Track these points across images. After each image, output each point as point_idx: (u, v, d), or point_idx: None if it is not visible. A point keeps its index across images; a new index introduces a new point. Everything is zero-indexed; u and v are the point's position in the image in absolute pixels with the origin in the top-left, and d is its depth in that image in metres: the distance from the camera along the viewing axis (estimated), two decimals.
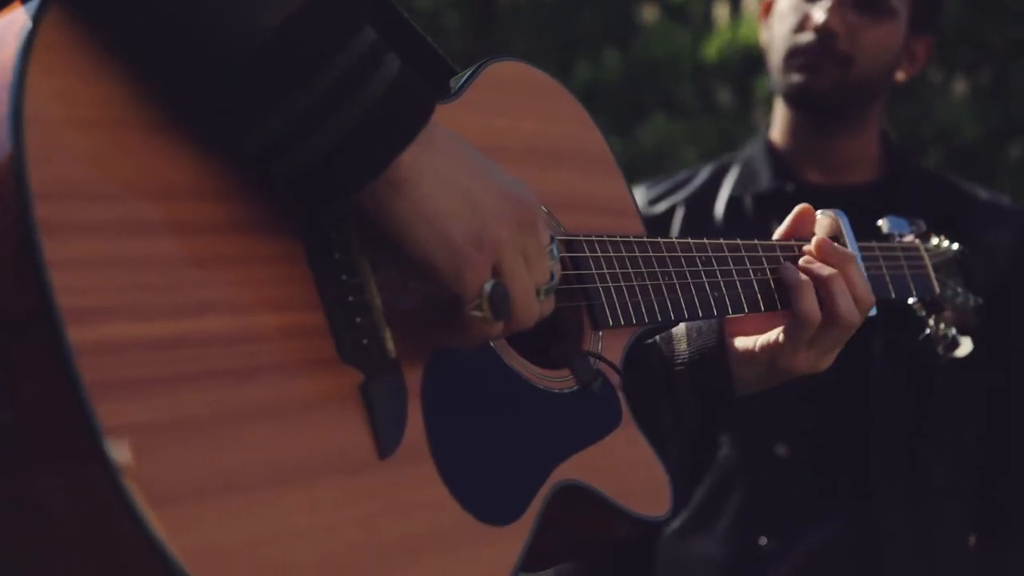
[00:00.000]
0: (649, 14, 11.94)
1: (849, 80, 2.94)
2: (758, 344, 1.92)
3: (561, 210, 1.79)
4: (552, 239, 1.58)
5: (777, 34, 2.99)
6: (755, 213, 3.05)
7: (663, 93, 12.03)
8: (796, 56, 2.95)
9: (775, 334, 1.92)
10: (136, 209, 1.37)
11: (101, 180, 1.36)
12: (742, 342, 1.94)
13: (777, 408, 2.93)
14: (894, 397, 2.95)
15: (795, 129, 3.07)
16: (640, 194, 3.17)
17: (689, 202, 3.12)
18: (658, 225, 3.09)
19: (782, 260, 1.97)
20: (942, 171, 3.25)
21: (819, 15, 2.91)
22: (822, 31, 2.91)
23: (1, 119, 1.30)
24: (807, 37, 2.93)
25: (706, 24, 11.46)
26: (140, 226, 1.37)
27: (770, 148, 3.09)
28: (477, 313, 1.50)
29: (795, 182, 3.05)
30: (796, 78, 2.96)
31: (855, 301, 1.95)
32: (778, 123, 3.11)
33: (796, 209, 2.04)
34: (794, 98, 3.00)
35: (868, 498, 2.95)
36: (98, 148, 1.36)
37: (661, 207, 3.13)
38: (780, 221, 3.01)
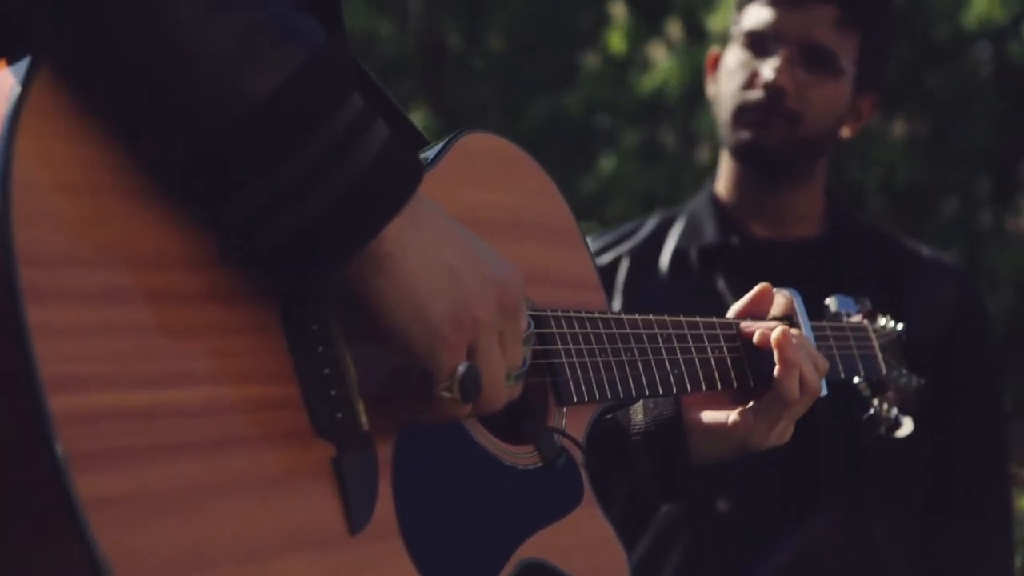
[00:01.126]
0: (590, 64, 12.03)
1: (797, 137, 2.97)
2: (730, 420, 1.94)
3: (530, 284, 1.79)
4: (530, 325, 1.58)
5: (725, 90, 3.02)
6: (700, 266, 3.07)
7: (607, 134, 12.12)
8: (745, 113, 2.98)
9: (746, 414, 1.94)
10: (118, 277, 1.36)
11: (85, 246, 1.34)
12: (710, 416, 1.96)
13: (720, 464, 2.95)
14: (840, 455, 2.97)
15: (741, 183, 3.10)
16: None
17: (634, 254, 3.13)
18: (604, 277, 3.10)
19: (739, 340, 1.99)
20: (885, 227, 3.29)
21: (768, 72, 2.94)
22: (771, 88, 2.94)
23: None
24: (756, 94, 2.96)
25: (645, 66, 11.56)
26: (121, 294, 1.36)
27: (715, 201, 3.12)
28: (447, 394, 1.50)
29: (740, 235, 3.07)
30: (745, 135, 2.98)
31: (819, 371, 1.99)
32: (724, 176, 3.13)
33: (755, 289, 2.06)
34: (742, 154, 3.03)
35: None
36: (83, 214, 1.35)
37: (606, 259, 3.14)
38: (725, 274, 3.06)
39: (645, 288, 3.08)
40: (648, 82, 11.23)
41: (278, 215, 1.41)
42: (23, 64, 1.35)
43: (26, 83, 1.34)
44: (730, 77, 2.99)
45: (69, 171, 1.36)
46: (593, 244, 3.18)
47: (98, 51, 1.36)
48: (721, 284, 3.03)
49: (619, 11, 11.71)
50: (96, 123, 1.38)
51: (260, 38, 1.39)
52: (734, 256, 3.05)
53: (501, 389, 1.54)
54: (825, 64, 2.96)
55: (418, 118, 13.10)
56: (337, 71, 1.44)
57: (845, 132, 3.07)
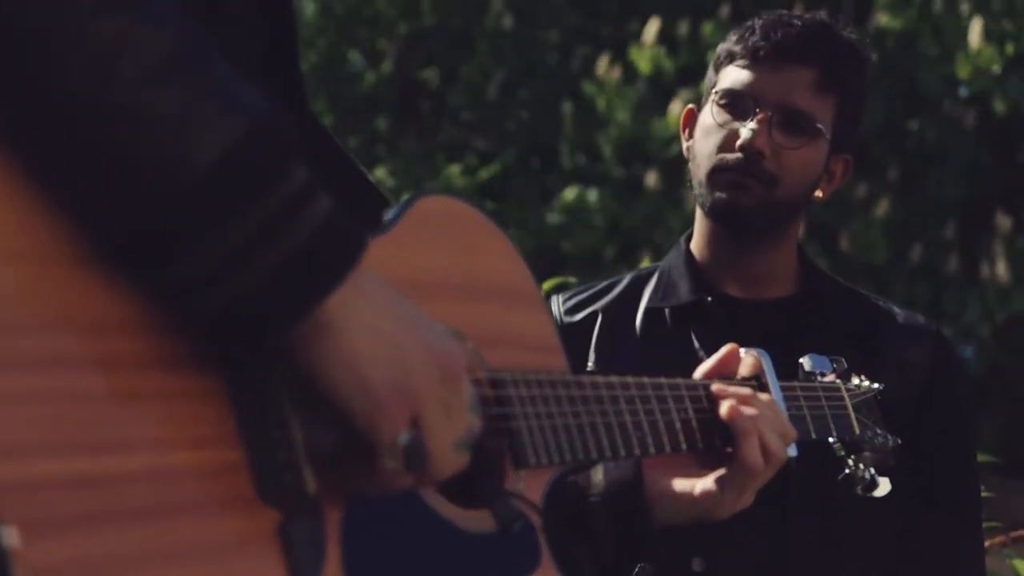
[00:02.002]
0: (606, 72, 12.10)
1: (773, 200, 2.96)
2: (696, 490, 1.94)
3: (487, 346, 1.79)
4: (474, 393, 1.58)
5: (701, 150, 3.01)
6: (674, 324, 3.06)
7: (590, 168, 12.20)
8: (722, 174, 2.97)
9: (713, 484, 1.94)
10: (59, 343, 1.36)
11: (26, 313, 1.35)
12: (663, 479, 1.95)
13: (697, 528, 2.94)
14: (813, 514, 2.96)
15: (715, 243, 3.09)
16: (557, 303, 3.17)
17: (607, 311, 3.12)
18: (576, 334, 3.09)
19: (705, 400, 1.99)
20: (857, 287, 3.28)
21: (746, 134, 2.93)
22: (749, 151, 2.93)
23: None
24: (733, 156, 2.95)
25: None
26: (63, 361, 1.36)
27: (690, 259, 3.11)
28: (390, 463, 1.50)
29: (714, 295, 3.07)
30: (721, 196, 2.97)
31: (782, 436, 1.98)
32: (698, 235, 3.13)
33: (723, 349, 2.06)
34: (718, 215, 3.02)
35: None
36: (22, 281, 1.35)
37: (579, 316, 3.13)
38: (699, 332, 3.05)
39: (619, 346, 3.07)
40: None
41: (217, 285, 1.41)
42: None
43: None
44: (707, 137, 2.98)
45: (11, 238, 1.36)
46: (567, 301, 3.17)
47: (37, 114, 1.37)
48: (695, 343, 3.02)
49: (650, 34, 11.78)
50: (39, 191, 1.38)
51: (202, 106, 1.40)
52: (708, 315, 3.04)
53: (447, 458, 1.54)
54: (803, 128, 2.95)
55: (392, 158, 13.13)
56: (279, 143, 1.45)
57: (818, 194, 3.07)
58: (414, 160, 12.86)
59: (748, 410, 1.97)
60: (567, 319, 3.09)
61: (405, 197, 1.79)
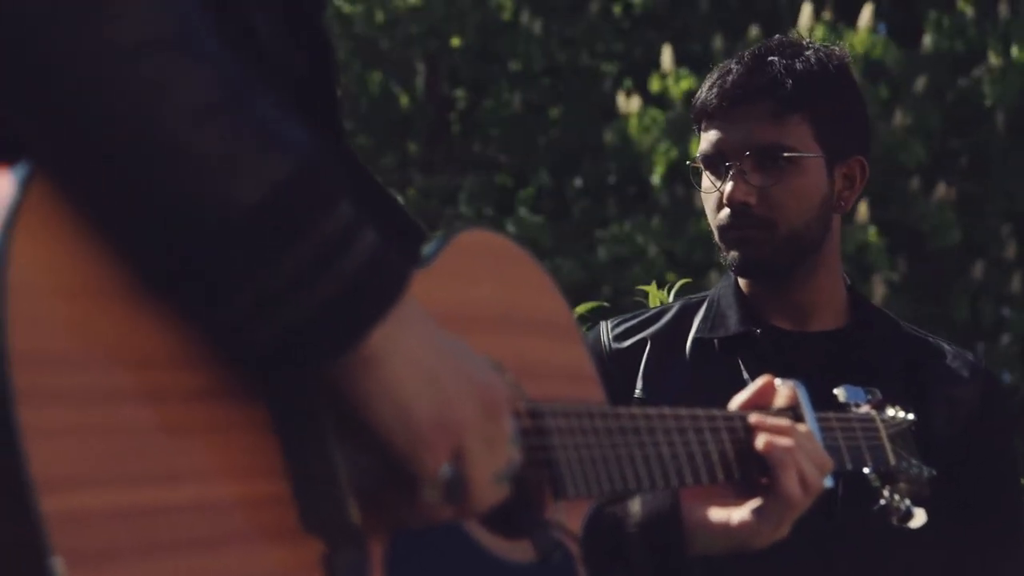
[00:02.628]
0: (626, 105, 12.09)
1: (778, 241, 2.97)
2: (733, 520, 1.96)
3: (526, 377, 1.81)
4: (516, 426, 1.60)
5: (708, 215, 3.05)
6: (723, 355, 3.07)
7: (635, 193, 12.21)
8: (724, 234, 3.00)
9: (751, 515, 1.96)
10: (110, 377, 1.39)
11: (77, 348, 1.38)
12: (700, 510, 1.97)
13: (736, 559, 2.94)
14: (852, 544, 2.96)
15: (755, 286, 3.11)
16: (607, 330, 3.19)
17: (656, 339, 3.14)
18: (625, 360, 3.10)
19: (741, 432, 2.00)
20: (906, 321, 3.28)
21: (727, 191, 2.95)
22: (734, 206, 2.95)
23: None
24: (725, 214, 2.97)
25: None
26: (113, 394, 1.39)
27: (738, 291, 3.13)
28: (431, 495, 1.52)
29: (763, 327, 3.08)
30: (733, 255, 3.00)
31: (819, 467, 1.99)
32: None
33: (758, 381, 2.07)
34: (740, 273, 3.04)
35: None
36: (75, 316, 1.38)
37: (628, 343, 3.15)
38: (747, 363, 3.06)
39: (668, 374, 3.09)
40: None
41: (264, 321, 1.44)
42: (22, 168, 1.39)
43: (23, 187, 1.37)
44: (706, 202, 3.02)
45: (64, 274, 1.39)
46: (615, 328, 3.18)
47: (85, 158, 1.39)
48: (744, 374, 3.04)
49: (667, 60, 11.79)
50: (90, 227, 1.41)
51: (246, 145, 1.42)
52: (757, 347, 3.06)
53: (488, 491, 1.56)
54: (775, 160, 2.94)
55: (423, 180, 13.17)
56: (324, 179, 1.47)
57: (844, 205, 3.07)
58: (445, 181, 12.91)
59: (784, 441, 1.98)
60: (616, 345, 3.11)
61: (440, 232, 1.82)
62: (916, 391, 2.98)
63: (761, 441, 1.98)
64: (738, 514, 1.99)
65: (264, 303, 1.43)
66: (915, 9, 12.47)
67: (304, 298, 1.44)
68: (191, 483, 1.42)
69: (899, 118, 11.62)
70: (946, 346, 3.13)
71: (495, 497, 1.58)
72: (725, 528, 1.98)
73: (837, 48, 3.11)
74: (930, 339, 3.15)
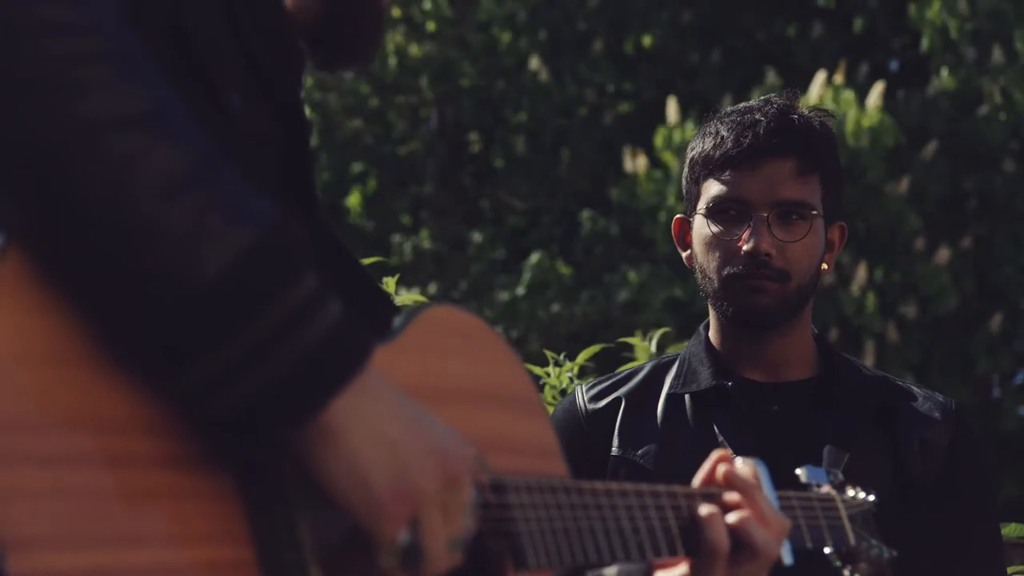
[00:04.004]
0: (631, 164, 12.15)
1: (788, 294, 3.02)
2: None
3: (491, 451, 1.84)
4: (474, 495, 1.62)
5: (707, 265, 3.04)
6: (695, 410, 3.10)
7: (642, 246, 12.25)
8: (733, 284, 3.01)
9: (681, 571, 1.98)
10: (75, 442, 1.42)
11: (46, 413, 1.41)
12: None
13: None
14: None
15: (731, 336, 3.14)
16: (581, 391, 3.22)
17: (630, 397, 3.17)
18: (601, 419, 3.13)
19: (697, 509, 2.03)
20: (873, 369, 3.32)
21: (748, 243, 2.97)
22: (755, 258, 2.97)
23: None
24: (740, 265, 3.00)
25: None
26: (80, 459, 1.42)
27: (709, 347, 3.15)
28: (388, 562, 1.55)
29: (734, 379, 3.11)
30: (737, 304, 3.02)
31: (768, 529, 2.01)
32: (714, 328, 3.17)
33: (712, 457, 2.10)
34: (739, 321, 3.07)
35: None
36: (45, 382, 1.42)
37: (603, 403, 3.18)
38: (719, 418, 3.09)
39: (641, 431, 3.12)
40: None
41: (225, 390, 1.47)
42: None
43: None
44: (709, 251, 3.03)
45: (33, 341, 1.43)
46: (590, 390, 3.22)
47: (55, 230, 1.44)
48: (716, 428, 3.07)
49: (672, 112, 11.87)
50: (60, 297, 1.45)
51: (211, 219, 1.46)
52: (729, 400, 3.09)
53: (442, 558, 1.59)
54: (799, 216, 3.00)
55: (437, 222, 13.19)
56: (287, 251, 1.51)
57: (826, 267, 3.14)
58: (457, 224, 12.96)
59: (730, 496, 2.02)
60: (591, 406, 3.15)
61: (408, 309, 1.85)
62: (889, 435, 3.02)
63: (704, 509, 2.01)
64: (676, 572, 2.01)
65: (225, 373, 1.47)
66: (921, 58, 12.62)
67: (267, 368, 1.47)
68: (155, 547, 1.45)
69: (902, 185, 11.75)
70: (916, 390, 3.17)
71: (449, 563, 1.60)
72: None
73: (830, 111, 3.20)
74: (900, 383, 3.19)
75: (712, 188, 3.02)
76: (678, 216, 3.16)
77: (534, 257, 12.27)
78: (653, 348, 4.13)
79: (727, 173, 3.01)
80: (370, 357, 1.55)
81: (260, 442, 1.50)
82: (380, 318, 1.83)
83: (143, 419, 1.48)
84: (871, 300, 11.61)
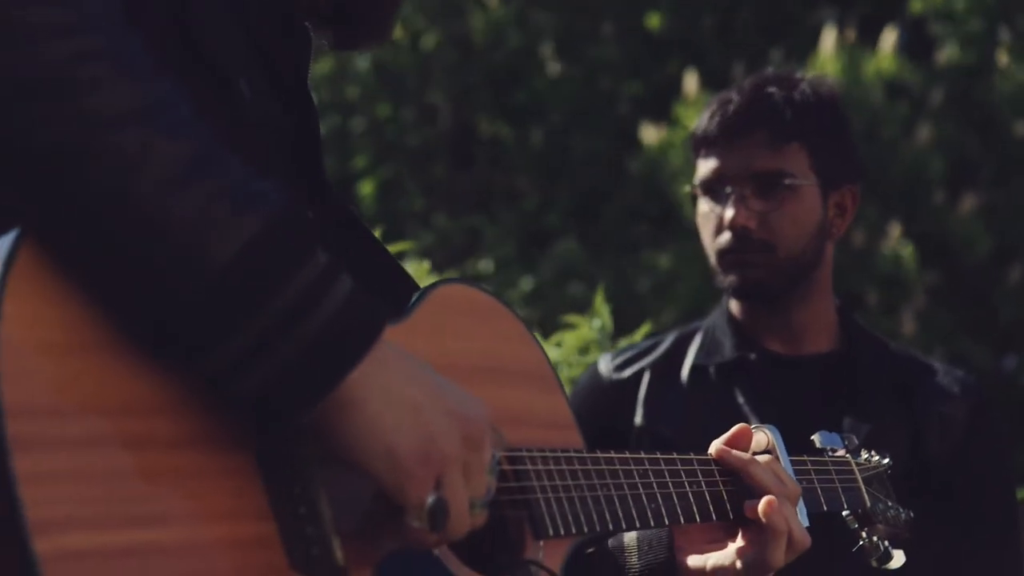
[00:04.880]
0: (648, 135, 12.12)
1: (777, 263, 3.07)
2: (709, 564, 2.01)
3: (505, 425, 1.87)
4: (494, 456, 1.66)
5: (704, 240, 3.13)
6: (719, 381, 3.15)
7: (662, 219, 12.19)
8: (723, 258, 3.09)
9: (728, 556, 2.01)
10: (98, 425, 1.46)
11: (68, 399, 1.45)
12: (693, 560, 2.03)
13: None
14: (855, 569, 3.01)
15: (750, 310, 3.19)
16: (605, 362, 3.27)
17: (655, 367, 3.22)
18: (625, 390, 3.18)
19: (717, 474, 2.06)
20: (896, 342, 3.35)
21: (728, 215, 3.05)
22: (735, 230, 3.05)
23: None
24: (725, 239, 3.07)
25: None
26: (102, 441, 1.46)
27: (731, 318, 3.20)
28: (416, 524, 1.58)
29: (757, 352, 3.15)
30: (731, 278, 3.09)
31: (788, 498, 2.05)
32: (734, 301, 3.22)
33: (733, 429, 2.13)
34: (736, 295, 3.12)
35: None
36: (64, 369, 1.46)
37: (627, 373, 3.22)
38: (743, 389, 3.13)
39: (666, 401, 3.17)
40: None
41: (242, 373, 1.51)
42: (11, 235, 1.47)
43: (12, 251, 1.45)
44: (703, 228, 3.11)
45: (52, 330, 1.46)
46: (612, 360, 3.27)
47: (67, 224, 1.47)
48: (740, 399, 3.11)
49: (691, 86, 11.86)
50: (76, 285, 1.48)
51: (219, 207, 1.50)
52: (751, 372, 3.13)
53: (465, 518, 1.62)
54: (775, 186, 3.06)
55: (449, 208, 13.18)
56: (296, 232, 1.54)
57: (836, 232, 3.17)
58: (469, 210, 12.95)
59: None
60: (615, 376, 3.20)
61: (427, 285, 1.89)
62: (908, 410, 3.05)
63: (742, 480, 2.04)
64: (715, 558, 2.04)
65: (241, 358, 1.50)
66: (927, 26, 12.58)
67: (282, 347, 1.51)
68: (179, 525, 1.49)
69: (924, 133, 11.72)
70: (936, 365, 3.20)
71: (472, 524, 1.64)
72: (708, 573, 2.03)
73: (828, 80, 3.24)
74: (920, 358, 3.22)
75: (700, 167, 3.13)
76: (689, 189, 3.23)
77: (559, 245, 12.26)
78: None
79: (709, 153, 3.11)
80: (383, 328, 1.58)
81: (281, 420, 1.54)
82: (401, 296, 1.87)
83: (163, 401, 1.51)
84: (909, 252, 11.55)
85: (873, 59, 11.60)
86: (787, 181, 3.04)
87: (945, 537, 3.02)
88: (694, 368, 3.17)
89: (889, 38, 11.80)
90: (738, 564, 2.04)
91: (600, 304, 4.20)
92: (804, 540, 2.06)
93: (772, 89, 3.11)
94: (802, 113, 3.10)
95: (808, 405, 3.07)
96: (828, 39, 11.76)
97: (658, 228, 12.49)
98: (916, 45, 12.63)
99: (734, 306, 3.21)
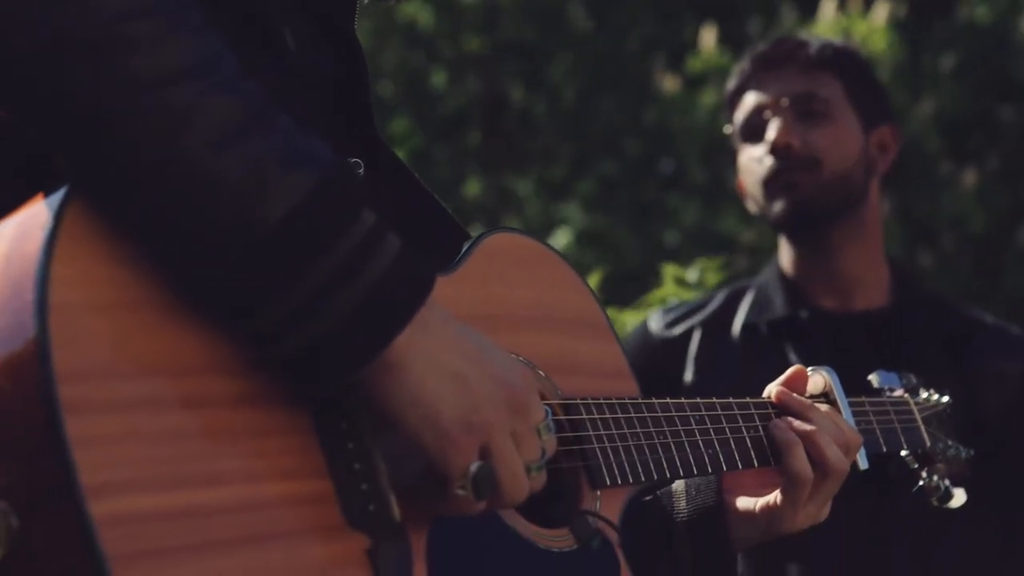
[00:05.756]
0: (670, 84, 12.07)
1: (824, 180, 3.08)
2: (757, 506, 1.99)
3: (559, 374, 1.86)
4: (547, 415, 1.64)
5: (751, 179, 3.14)
6: (771, 338, 3.15)
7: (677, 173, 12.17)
8: (770, 185, 3.10)
9: (773, 497, 1.98)
10: (151, 386, 1.45)
11: (119, 360, 1.44)
12: (743, 502, 2.01)
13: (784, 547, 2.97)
14: (907, 522, 2.99)
15: (800, 257, 3.19)
16: (656, 319, 3.27)
17: (706, 325, 3.22)
18: (676, 348, 3.19)
19: (774, 417, 2.04)
20: (950, 297, 3.34)
21: (770, 136, 3.07)
22: (779, 149, 3.08)
23: (27, 307, 1.39)
24: (768, 163, 3.09)
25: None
26: (154, 402, 1.45)
27: (782, 275, 3.20)
28: (461, 492, 1.57)
29: (808, 309, 3.15)
30: (779, 204, 3.09)
31: (843, 447, 2.02)
32: (784, 254, 3.22)
33: (790, 370, 2.11)
34: (786, 222, 3.13)
35: None
36: (116, 330, 1.45)
37: (677, 330, 3.23)
38: (795, 346, 3.13)
39: (717, 358, 3.17)
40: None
41: (290, 332, 1.50)
42: (58, 194, 1.46)
43: (60, 211, 1.44)
44: (749, 172, 3.13)
45: (102, 290, 1.45)
46: (663, 317, 3.27)
47: (115, 185, 1.46)
48: (792, 356, 3.11)
49: (708, 39, 11.80)
50: (126, 244, 1.48)
51: (268, 166, 1.49)
52: (803, 329, 3.13)
53: (521, 483, 1.61)
54: (815, 105, 3.13)
55: (483, 173, 13.17)
56: (345, 192, 1.53)
57: (880, 168, 3.18)
58: (503, 175, 12.94)
59: (796, 423, 2.01)
60: (666, 333, 3.20)
61: (477, 234, 1.87)
62: (962, 368, 3.03)
63: (771, 423, 2.02)
64: (763, 500, 2.01)
65: (289, 318, 1.49)
66: None
67: (329, 308, 1.50)
68: (236, 484, 1.48)
69: (924, 107, 11.62)
70: (989, 320, 3.18)
71: (531, 487, 1.62)
72: (751, 515, 2.01)
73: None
74: (974, 315, 3.20)
75: (740, 112, 3.15)
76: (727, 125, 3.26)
77: (573, 213, 12.21)
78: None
79: (745, 92, 3.17)
80: (430, 291, 1.57)
81: (326, 381, 1.53)
82: (453, 246, 1.85)
83: (218, 360, 1.51)
84: (896, 233, 11.48)
85: (865, 27, 11.47)
86: (824, 98, 3.09)
87: (1001, 496, 3.00)
88: (745, 326, 3.17)
89: (882, 9, 11.65)
90: (771, 501, 2.01)
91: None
92: (837, 463, 2.02)
93: (807, 38, 3.21)
94: (831, 49, 3.17)
95: (859, 362, 3.05)
96: (829, 9, 11.66)
97: (669, 181, 12.44)
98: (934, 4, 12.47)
99: (785, 260, 3.20)
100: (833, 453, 1.98)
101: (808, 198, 3.07)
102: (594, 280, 4.11)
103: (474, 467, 1.57)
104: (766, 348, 3.13)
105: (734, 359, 3.15)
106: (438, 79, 13.41)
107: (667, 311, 3.30)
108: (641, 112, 12.56)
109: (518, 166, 13.24)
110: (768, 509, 1.98)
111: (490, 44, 13.19)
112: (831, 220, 3.11)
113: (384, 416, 1.55)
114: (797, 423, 2.01)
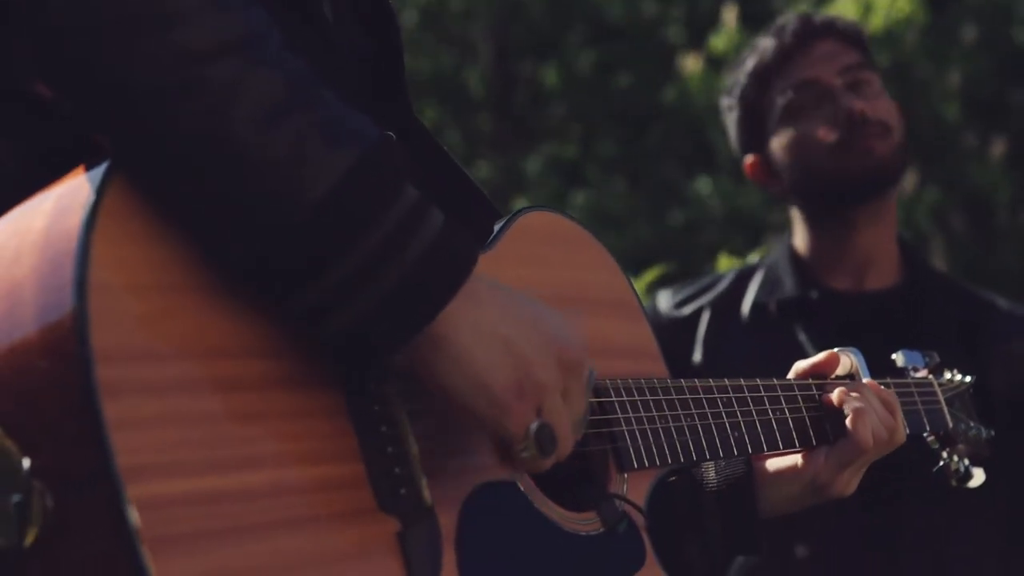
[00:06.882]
0: (692, 64, 12.02)
1: (895, 147, 3.07)
2: (799, 463, 2.00)
3: (592, 355, 1.85)
4: (591, 373, 1.65)
5: (806, 159, 3.08)
6: (780, 318, 3.13)
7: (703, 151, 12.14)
8: (842, 155, 3.05)
9: (816, 457, 1.99)
10: (187, 368, 1.45)
11: (156, 342, 1.44)
12: (774, 463, 2.01)
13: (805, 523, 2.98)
14: (918, 502, 3.00)
15: (817, 238, 3.16)
16: (665, 298, 3.25)
17: (715, 305, 3.20)
18: (684, 327, 3.17)
19: (801, 400, 2.04)
20: (959, 278, 3.34)
21: (845, 103, 3.03)
22: (852, 120, 3.03)
23: (66, 285, 1.39)
24: (836, 134, 3.04)
25: None
26: (191, 385, 1.45)
27: (793, 255, 3.18)
28: (526, 454, 1.59)
29: (819, 289, 3.13)
30: (856, 168, 3.05)
31: (883, 423, 2.04)
32: (798, 231, 3.20)
33: (822, 354, 2.11)
34: (863, 184, 3.08)
35: None
36: (154, 311, 1.44)
37: (687, 310, 3.21)
38: (804, 327, 3.11)
39: (726, 339, 3.15)
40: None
41: (336, 308, 1.49)
42: (99, 170, 1.45)
43: (100, 189, 1.44)
44: (795, 151, 3.07)
45: (141, 272, 1.45)
46: (673, 296, 3.25)
47: (158, 161, 1.45)
48: (801, 336, 3.09)
49: (730, 17, 11.75)
50: (166, 225, 1.47)
51: (312, 142, 1.48)
52: (813, 309, 3.11)
53: (570, 439, 1.63)
54: (865, 75, 3.10)
55: (493, 155, 13.16)
56: (388, 167, 1.52)
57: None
58: (513, 155, 12.92)
59: (857, 396, 2.04)
60: (675, 313, 3.19)
61: (513, 211, 1.87)
62: (973, 349, 3.02)
63: (835, 395, 2.03)
64: (803, 458, 2.02)
65: (335, 295, 1.49)
66: None
67: (375, 284, 1.49)
68: (269, 468, 1.48)
69: (951, 78, 11.56)
70: (999, 301, 3.17)
71: (574, 443, 1.64)
72: (793, 470, 2.01)
73: None
74: (984, 295, 3.19)
75: (785, 82, 3.08)
76: (749, 160, 3.20)
77: (580, 196, 12.18)
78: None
79: (787, 67, 3.09)
80: (475, 262, 1.56)
81: (374, 356, 1.53)
82: (484, 222, 1.85)
83: (252, 343, 1.50)
84: (925, 205, 11.43)
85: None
86: (873, 70, 3.07)
87: (1012, 477, 3.00)
88: (755, 305, 3.15)
89: None
90: (816, 456, 2.02)
91: None
92: (883, 440, 2.04)
93: (814, 15, 3.17)
94: (854, 26, 3.17)
95: (870, 343, 3.05)
96: None
97: (693, 162, 12.40)
98: None
99: (799, 240, 3.18)
100: (880, 430, 2.01)
101: (884, 164, 3.05)
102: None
103: (534, 427, 1.58)
104: (775, 328, 3.12)
105: (743, 339, 3.13)
106: (447, 59, 13.34)
107: (677, 290, 3.28)
108: (661, 91, 12.50)
109: (528, 144, 13.19)
110: (810, 467, 2.00)
111: (501, 15, 13.11)
112: (893, 183, 3.10)
113: (436, 391, 1.55)
114: (855, 394, 2.03)
